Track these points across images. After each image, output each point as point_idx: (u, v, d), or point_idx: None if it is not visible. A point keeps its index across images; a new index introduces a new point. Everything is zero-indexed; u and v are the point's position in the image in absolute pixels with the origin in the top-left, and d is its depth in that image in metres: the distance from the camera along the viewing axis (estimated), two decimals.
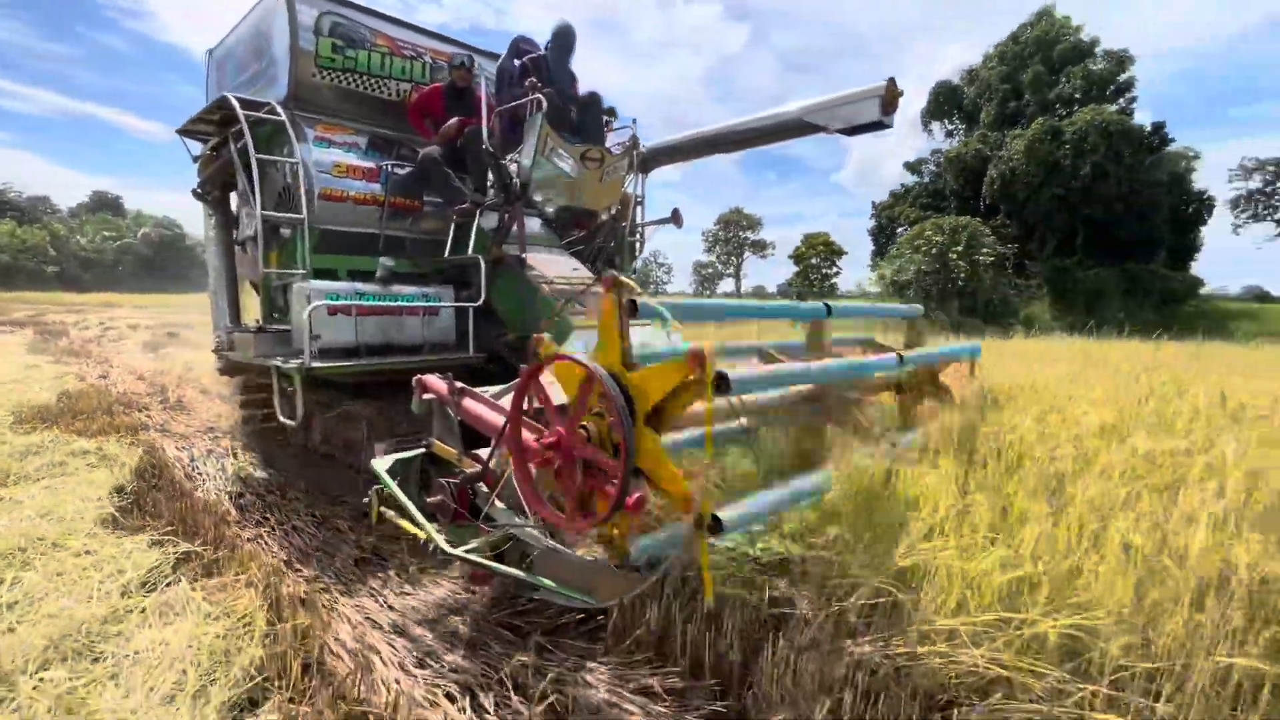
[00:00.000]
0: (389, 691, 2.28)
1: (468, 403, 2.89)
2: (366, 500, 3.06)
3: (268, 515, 4.14)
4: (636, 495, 2.20)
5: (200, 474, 4.99)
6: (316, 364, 3.90)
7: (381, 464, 3.03)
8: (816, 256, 47.75)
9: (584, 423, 2.32)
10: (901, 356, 3.25)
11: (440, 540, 2.58)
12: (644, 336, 2.89)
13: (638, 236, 6.30)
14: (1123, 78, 28.66)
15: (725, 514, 2.19)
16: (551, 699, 2.18)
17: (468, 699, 2.30)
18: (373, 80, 5.29)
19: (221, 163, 5.38)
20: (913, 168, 35.38)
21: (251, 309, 5.82)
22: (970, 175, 29.90)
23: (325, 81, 5.05)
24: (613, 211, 5.61)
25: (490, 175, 4.85)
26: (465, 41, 5.91)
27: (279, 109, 4.74)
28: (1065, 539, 2.24)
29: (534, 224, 5.48)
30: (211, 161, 5.61)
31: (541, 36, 5.46)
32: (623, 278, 2.19)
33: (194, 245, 63.87)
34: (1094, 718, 1.70)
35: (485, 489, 2.86)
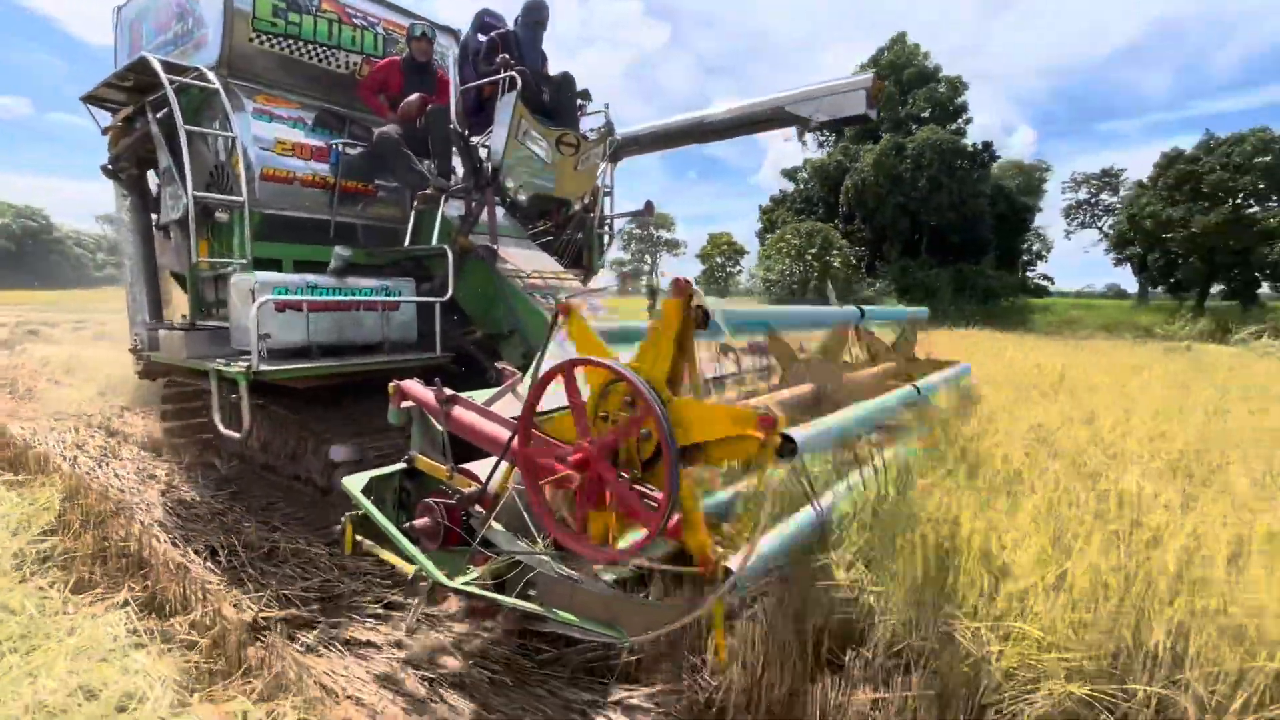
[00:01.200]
0: (140, 538, 3.18)
1: (459, 412, 2.55)
2: (339, 527, 2.67)
3: (95, 470, 4.65)
4: (676, 518, 1.96)
5: (41, 442, 5.16)
6: (266, 367, 3.42)
7: (355, 483, 2.64)
8: (720, 255, 50.11)
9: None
10: (919, 389, 3.22)
11: (438, 574, 2.25)
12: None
13: (606, 229, 6.00)
14: (959, 100, 32.52)
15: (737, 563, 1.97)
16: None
17: (208, 554, 3.30)
18: (319, 49, 4.76)
19: (138, 135, 4.74)
20: (789, 175, 38.01)
21: (178, 303, 5.18)
22: (833, 184, 33.47)
23: (264, 47, 4.49)
24: (585, 201, 5.29)
25: (458, 159, 4.44)
26: (418, 13, 5.43)
27: (210, 75, 4.18)
28: None
29: (498, 213, 5.10)
30: (124, 134, 4.92)
31: (464, 18, 5.03)
32: (694, 284, 1.92)
33: (63, 238, 57.97)
34: None
35: (480, 510, 2.53)
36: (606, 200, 6.02)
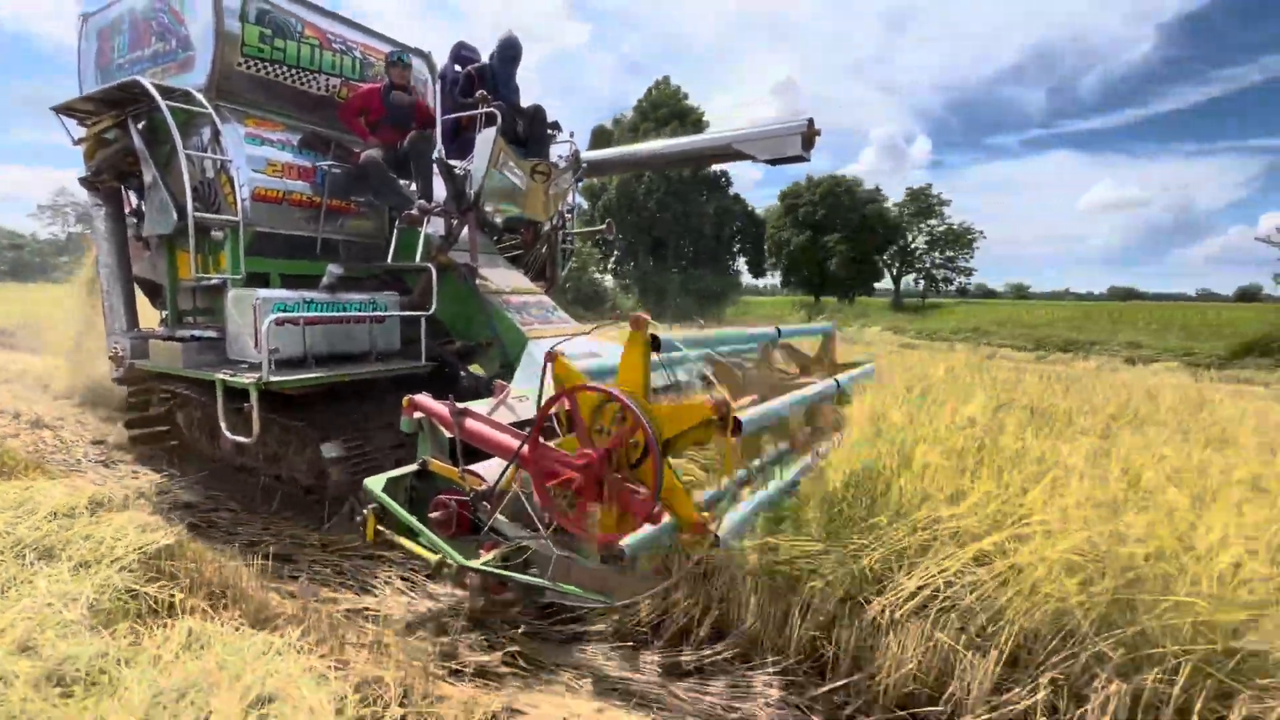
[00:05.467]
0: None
1: (471, 423, 3.01)
2: (360, 520, 3.09)
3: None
4: (657, 509, 2.52)
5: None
6: (275, 378, 3.76)
7: (376, 484, 3.07)
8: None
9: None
10: (839, 382, 3.88)
11: (459, 557, 2.73)
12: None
13: (569, 244, 6.49)
14: None
15: (722, 528, 2.56)
16: None
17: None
18: (301, 74, 5.02)
19: (118, 149, 4.88)
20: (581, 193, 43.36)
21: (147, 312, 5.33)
22: (595, 201, 40.06)
23: (250, 72, 4.73)
24: (555, 222, 5.77)
25: (437, 180, 4.84)
26: (393, 38, 5.74)
27: (200, 98, 4.41)
28: None
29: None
30: (101, 146, 5.04)
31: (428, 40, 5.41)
32: (647, 317, 2.48)
33: None
34: None
35: (486, 504, 3.01)
36: (568, 218, 6.51)
